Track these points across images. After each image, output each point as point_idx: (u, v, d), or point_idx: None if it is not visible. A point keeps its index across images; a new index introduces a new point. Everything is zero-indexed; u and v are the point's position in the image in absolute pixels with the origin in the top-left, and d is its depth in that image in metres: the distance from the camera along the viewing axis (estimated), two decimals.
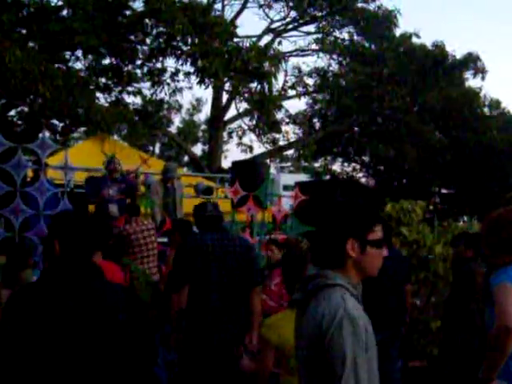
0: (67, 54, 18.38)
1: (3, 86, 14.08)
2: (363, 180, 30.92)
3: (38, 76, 14.03)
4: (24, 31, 16.66)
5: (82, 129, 21.20)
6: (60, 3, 18.08)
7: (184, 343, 5.45)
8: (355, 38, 26.28)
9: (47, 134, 11.21)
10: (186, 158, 33.68)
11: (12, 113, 17.74)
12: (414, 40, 26.12)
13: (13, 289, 5.56)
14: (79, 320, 2.59)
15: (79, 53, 18.55)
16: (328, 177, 30.20)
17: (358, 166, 31.89)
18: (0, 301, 5.60)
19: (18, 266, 5.59)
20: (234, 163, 13.17)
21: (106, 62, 19.22)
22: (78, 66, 19.42)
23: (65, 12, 17.82)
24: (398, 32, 26.17)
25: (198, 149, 37.73)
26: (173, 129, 34.87)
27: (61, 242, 2.75)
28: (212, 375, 5.35)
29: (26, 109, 17.47)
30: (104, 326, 2.62)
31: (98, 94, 19.41)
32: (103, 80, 19.73)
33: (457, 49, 61.89)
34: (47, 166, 8.82)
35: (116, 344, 2.65)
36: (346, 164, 31.97)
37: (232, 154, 58.24)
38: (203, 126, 39.20)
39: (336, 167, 32.15)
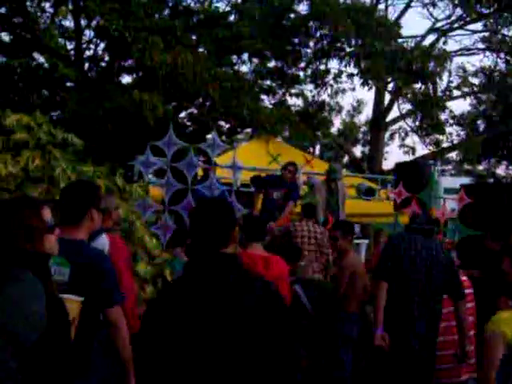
0: (234, 57, 19.02)
1: (175, 89, 14.81)
2: None
3: (208, 79, 14.66)
4: (194, 37, 17.43)
5: (246, 130, 21.78)
6: (227, 9, 18.81)
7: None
8: None
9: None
10: (345, 160, 33.62)
11: (182, 115, 18.58)
12: None
13: None
14: (215, 314, 2.57)
15: (245, 56, 19.22)
16: (492, 180, 29.20)
17: None
18: None
19: None
20: (398, 164, 13.04)
21: (271, 64, 19.74)
22: (244, 69, 20.13)
23: (231, 17, 18.51)
24: None
25: (357, 150, 37.53)
26: (333, 130, 34.99)
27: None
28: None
29: (195, 111, 18.25)
30: (236, 319, 2.56)
31: (263, 96, 19.93)
32: (267, 82, 20.24)
33: None
34: (216, 166, 9.20)
35: (250, 337, 2.56)
36: (511, 167, 30.75)
37: (392, 155, 57.40)
38: (363, 128, 39.00)
39: (500, 171, 31.03)
